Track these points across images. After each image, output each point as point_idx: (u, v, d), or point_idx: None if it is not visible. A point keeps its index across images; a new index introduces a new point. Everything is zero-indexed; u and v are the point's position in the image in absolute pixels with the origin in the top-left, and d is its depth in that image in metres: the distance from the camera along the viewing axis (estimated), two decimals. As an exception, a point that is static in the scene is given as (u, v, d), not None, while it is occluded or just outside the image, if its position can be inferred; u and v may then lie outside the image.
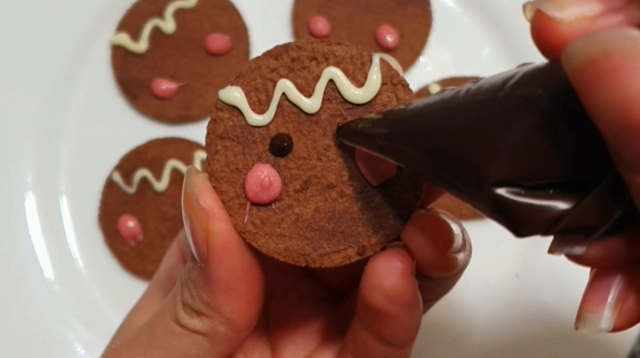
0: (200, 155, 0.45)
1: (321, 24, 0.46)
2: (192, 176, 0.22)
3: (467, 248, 0.24)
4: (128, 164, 0.46)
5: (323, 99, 0.22)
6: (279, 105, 0.22)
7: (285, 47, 0.22)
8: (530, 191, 0.17)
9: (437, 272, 0.23)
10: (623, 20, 0.17)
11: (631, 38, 0.14)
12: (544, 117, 0.16)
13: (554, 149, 0.16)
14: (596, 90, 0.14)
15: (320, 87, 0.22)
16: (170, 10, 0.46)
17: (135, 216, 0.45)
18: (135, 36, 0.46)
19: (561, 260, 0.48)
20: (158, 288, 0.29)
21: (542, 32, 0.17)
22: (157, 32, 0.46)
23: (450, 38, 0.46)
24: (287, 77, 0.22)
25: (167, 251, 0.30)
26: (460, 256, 0.23)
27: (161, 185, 0.45)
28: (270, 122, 0.22)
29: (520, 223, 0.17)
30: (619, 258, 0.18)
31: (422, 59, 0.47)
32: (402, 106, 0.20)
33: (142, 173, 0.45)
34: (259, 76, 0.22)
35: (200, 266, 0.22)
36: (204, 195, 0.22)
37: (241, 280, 0.22)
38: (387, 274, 0.22)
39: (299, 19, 0.46)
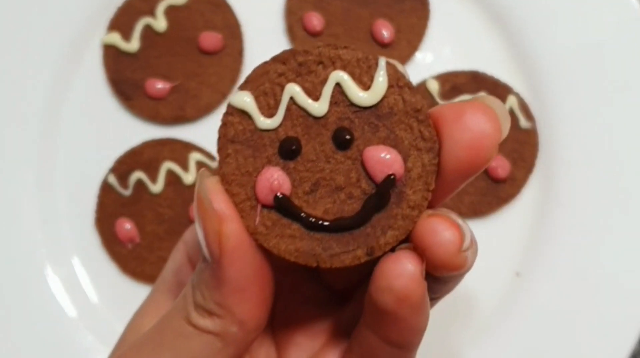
0: (195, 157, 0.45)
1: (316, 20, 0.45)
2: (205, 179, 0.23)
3: (474, 245, 0.23)
4: (123, 166, 0.45)
5: (330, 103, 0.22)
6: (287, 109, 0.22)
7: (293, 52, 0.22)
8: None
9: (446, 271, 0.23)
10: None
11: None
12: None
13: None
14: None
15: (327, 90, 0.22)
16: (161, 8, 0.45)
17: (132, 219, 0.45)
18: (126, 35, 0.45)
19: (562, 258, 0.47)
20: (164, 290, 0.29)
21: None
22: (148, 31, 0.46)
23: (448, 32, 0.46)
24: (294, 81, 0.22)
25: (172, 253, 0.30)
26: (469, 254, 0.23)
27: (157, 187, 0.45)
28: (279, 126, 0.22)
29: None
30: None
31: (419, 53, 0.46)
32: None
33: (138, 175, 0.45)
34: (267, 81, 0.22)
35: (212, 267, 0.22)
36: (216, 198, 0.22)
37: (252, 281, 0.23)
38: (397, 276, 0.21)
39: (293, 15, 0.46)
